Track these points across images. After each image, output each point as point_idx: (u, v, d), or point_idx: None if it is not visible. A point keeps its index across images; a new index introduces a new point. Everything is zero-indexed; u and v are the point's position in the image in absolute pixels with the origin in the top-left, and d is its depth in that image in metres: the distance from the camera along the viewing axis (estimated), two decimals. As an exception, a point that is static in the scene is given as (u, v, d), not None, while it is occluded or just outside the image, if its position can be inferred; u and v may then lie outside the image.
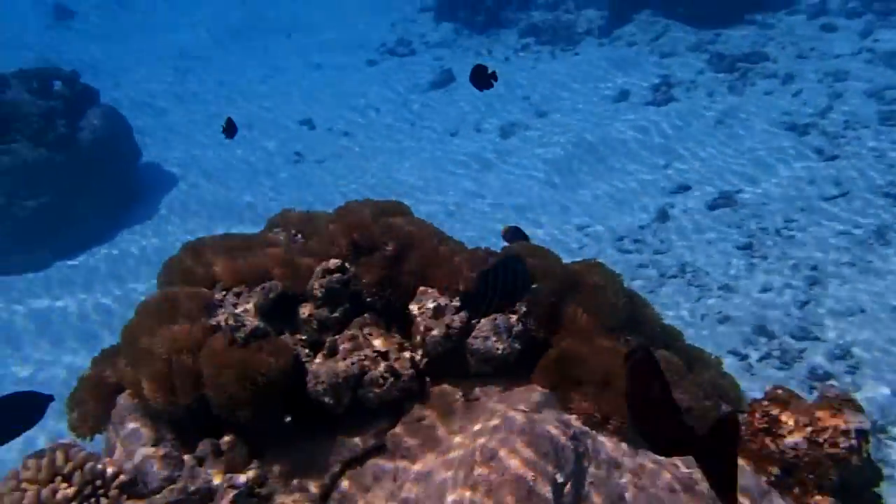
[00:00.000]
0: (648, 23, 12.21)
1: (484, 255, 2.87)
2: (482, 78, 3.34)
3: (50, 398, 2.23)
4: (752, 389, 5.72)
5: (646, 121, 9.98)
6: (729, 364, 6.09)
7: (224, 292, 2.80)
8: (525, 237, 2.99)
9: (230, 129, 3.27)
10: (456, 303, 2.72)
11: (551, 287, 2.77)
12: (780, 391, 2.73)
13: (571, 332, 2.72)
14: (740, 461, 2.66)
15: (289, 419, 2.65)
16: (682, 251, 7.58)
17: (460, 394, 2.68)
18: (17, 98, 8.85)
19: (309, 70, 14.50)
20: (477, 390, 2.69)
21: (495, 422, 2.43)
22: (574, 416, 2.54)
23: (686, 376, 2.78)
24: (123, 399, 2.73)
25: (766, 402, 2.70)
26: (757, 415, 2.68)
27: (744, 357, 6.17)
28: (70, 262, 8.42)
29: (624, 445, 2.53)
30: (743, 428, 2.72)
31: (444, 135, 10.95)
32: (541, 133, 10.40)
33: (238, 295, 2.77)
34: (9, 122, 8.46)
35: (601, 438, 2.52)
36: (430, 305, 2.70)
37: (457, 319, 2.66)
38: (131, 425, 2.67)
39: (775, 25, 11.34)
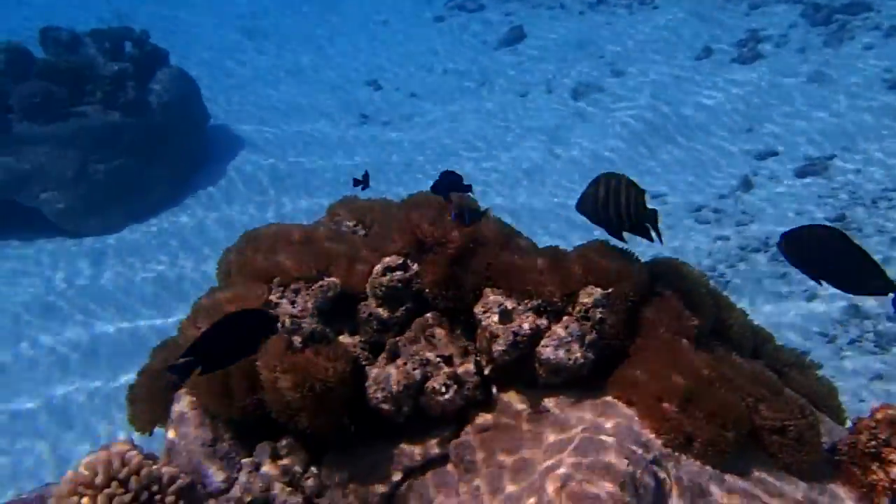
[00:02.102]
0: (736, -29, 11.38)
1: (553, 253, 2.64)
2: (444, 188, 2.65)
3: (276, 319, 2.20)
4: (840, 375, 5.34)
5: (730, 80, 9.36)
6: (815, 346, 5.71)
7: (282, 288, 2.67)
8: (461, 182, 2.57)
9: (364, 181, 3.08)
10: (524, 306, 2.52)
11: (627, 290, 2.52)
12: (891, 410, 2.44)
13: (650, 342, 2.49)
14: (841, 489, 2.41)
15: (349, 424, 2.53)
16: (766, 223, 7.11)
17: (528, 405, 2.49)
18: (90, 59, 8.93)
19: (376, 27, 14.21)
20: (546, 401, 2.49)
21: (566, 443, 2.24)
22: (654, 436, 2.33)
23: (781, 391, 2.51)
24: (182, 396, 2.67)
25: (873, 423, 2.42)
26: (863, 437, 2.41)
27: (832, 339, 5.77)
28: (141, 225, 8.56)
29: (709, 469, 2.31)
30: (846, 449, 2.46)
31: (514, 96, 10.55)
32: (615, 93, 9.89)
33: (296, 292, 2.64)
34: (82, 84, 8.55)
35: (685, 461, 2.30)
36: (496, 309, 2.50)
37: (525, 326, 2.46)
38: (189, 424, 2.60)
39: (879, -29, 10.38)
